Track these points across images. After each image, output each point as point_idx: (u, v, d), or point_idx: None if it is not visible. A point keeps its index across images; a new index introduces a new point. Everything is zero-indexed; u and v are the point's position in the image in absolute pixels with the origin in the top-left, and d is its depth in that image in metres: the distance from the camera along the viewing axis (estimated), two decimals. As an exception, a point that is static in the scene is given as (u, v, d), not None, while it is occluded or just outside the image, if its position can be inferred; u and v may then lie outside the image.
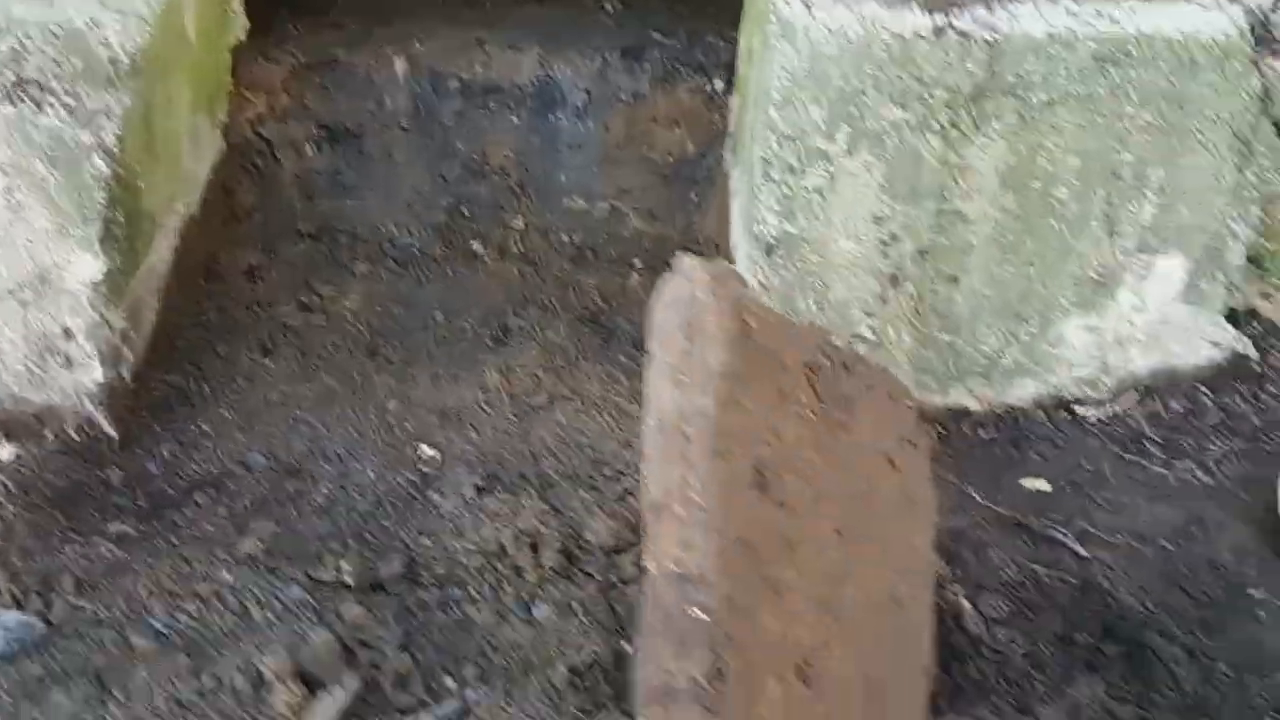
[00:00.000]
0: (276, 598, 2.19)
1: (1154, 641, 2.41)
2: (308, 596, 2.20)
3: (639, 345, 3.22)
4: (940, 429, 2.86)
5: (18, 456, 2.62)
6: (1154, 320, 2.77)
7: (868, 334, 2.73)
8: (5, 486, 2.49)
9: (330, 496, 2.60)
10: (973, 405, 2.84)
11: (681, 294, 1.47)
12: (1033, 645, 2.44)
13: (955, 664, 2.40)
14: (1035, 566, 2.55)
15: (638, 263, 3.56)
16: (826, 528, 1.76)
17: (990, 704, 2.33)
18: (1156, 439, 2.80)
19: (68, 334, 2.63)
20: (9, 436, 2.67)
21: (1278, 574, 2.49)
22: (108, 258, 2.60)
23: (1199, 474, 2.72)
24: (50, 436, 2.66)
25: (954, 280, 2.67)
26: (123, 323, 2.73)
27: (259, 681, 1.99)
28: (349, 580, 2.26)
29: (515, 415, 2.93)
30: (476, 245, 3.62)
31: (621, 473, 2.71)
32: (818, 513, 1.73)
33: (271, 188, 3.67)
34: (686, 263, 1.51)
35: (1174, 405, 2.85)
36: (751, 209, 2.71)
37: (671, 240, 3.65)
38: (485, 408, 2.96)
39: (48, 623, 2.14)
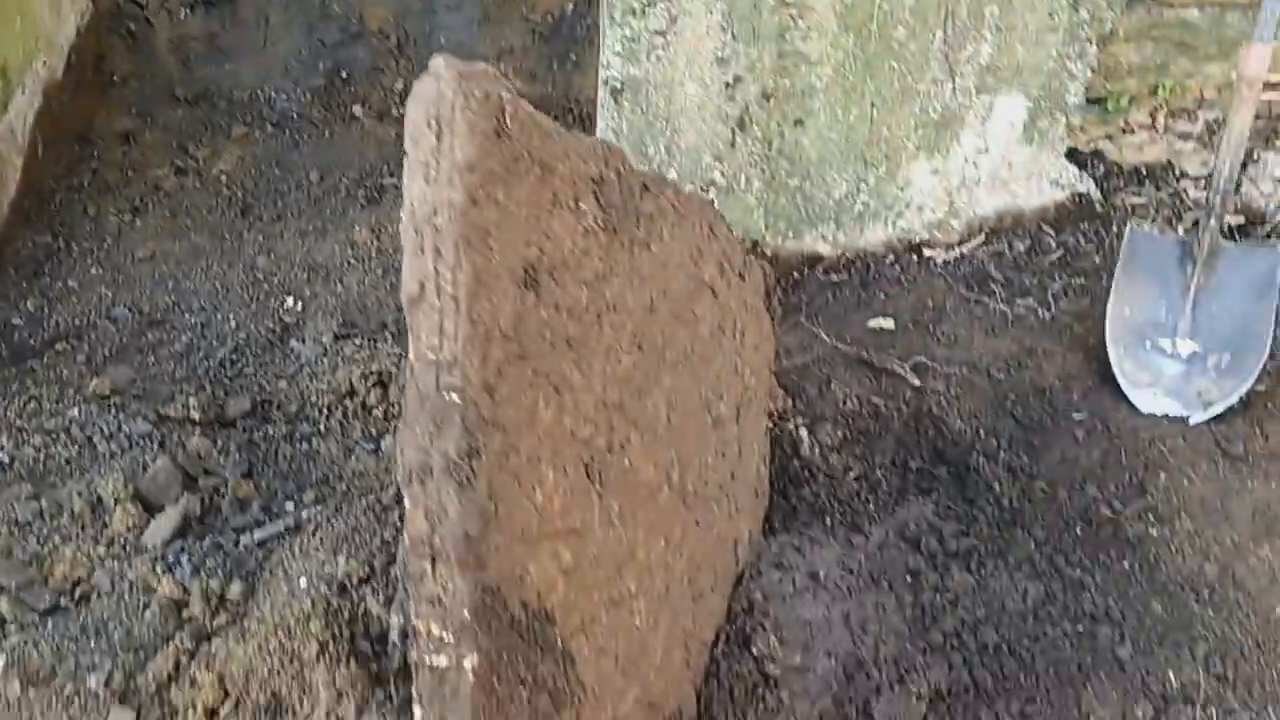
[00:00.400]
0: (122, 432, 2.26)
1: (979, 463, 2.54)
2: (153, 430, 2.27)
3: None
4: (794, 274, 2.94)
5: (-121, 310, 2.65)
6: (997, 161, 2.85)
7: (719, 179, 2.79)
8: None
9: (190, 344, 2.66)
10: (825, 250, 2.92)
11: (430, 91, 1.50)
12: (867, 470, 2.57)
13: (792, 488, 2.52)
14: (874, 399, 2.67)
15: (516, 123, 3.58)
16: (621, 338, 1.84)
17: (823, 524, 2.46)
18: (999, 277, 2.89)
19: (-82, 188, 2.64)
20: None
21: (1100, 398, 2.62)
22: (-47, 110, 2.60)
23: (1038, 310, 2.83)
24: (-91, 291, 2.69)
25: (800, 124, 2.73)
26: (-22, 179, 2.74)
27: (97, 504, 2.06)
28: (195, 416, 2.33)
29: (381, 269, 2.98)
30: (356, 108, 3.63)
31: (480, 318, 2.77)
32: (610, 322, 1.80)
33: (146, 53, 3.64)
34: (438, 61, 1.54)
35: (1018, 245, 2.95)
36: (600, 49, 2.74)
37: (551, 100, 3.67)
38: (352, 262, 3.00)
39: (-104, 458, 2.20)
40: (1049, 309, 2.83)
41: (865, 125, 2.74)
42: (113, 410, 2.33)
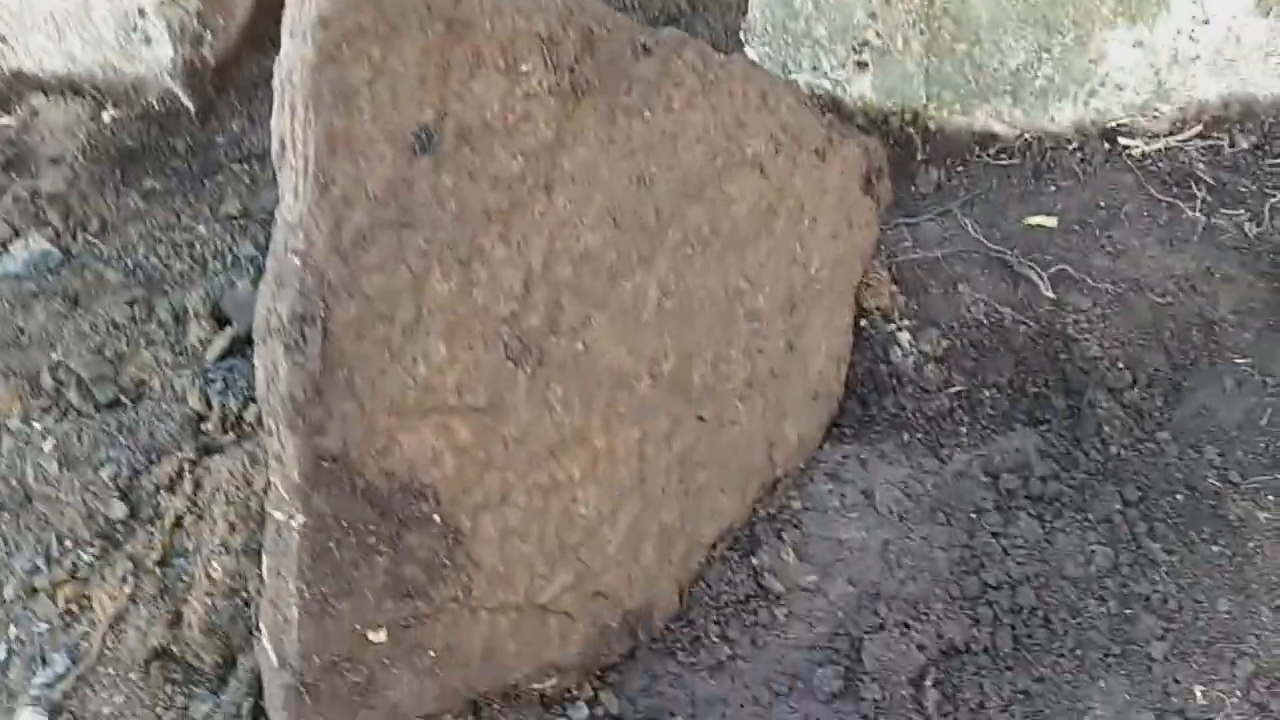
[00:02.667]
0: (232, 252, 2.47)
1: (1100, 399, 2.18)
2: (258, 254, 2.47)
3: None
4: (961, 154, 2.59)
5: (114, 117, 3.04)
6: (1221, 36, 2.30)
7: (873, 39, 2.49)
8: (89, 145, 2.91)
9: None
10: (999, 129, 2.54)
11: None
12: (970, 388, 2.29)
13: (874, 396, 2.31)
14: (1002, 308, 2.34)
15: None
16: (585, 213, 1.73)
17: (899, 440, 2.23)
18: (1208, 179, 2.38)
19: (141, 12, 2.95)
20: (113, 103, 3.09)
21: (1275, 345, 2.12)
22: (171, -60, 2.86)
23: (1244, 224, 2.31)
24: (140, 103, 3.05)
25: (965, -22, 2.35)
26: (197, 4, 3.02)
27: (183, 316, 2.30)
28: (302, 244, 2.50)
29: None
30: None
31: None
32: (566, 195, 1.70)
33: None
34: None
35: (1241, 142, 2.39)
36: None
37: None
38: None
39: (67, 253, 2.56)
40: (1257, 224, 2.30)
41: (1045, -17, 2.32)
42: (235, 232, 2.55)
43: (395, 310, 1.54)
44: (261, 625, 1.52)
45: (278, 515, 1.50)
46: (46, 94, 3.16)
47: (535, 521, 1.75)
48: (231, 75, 3.18)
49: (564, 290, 1.74)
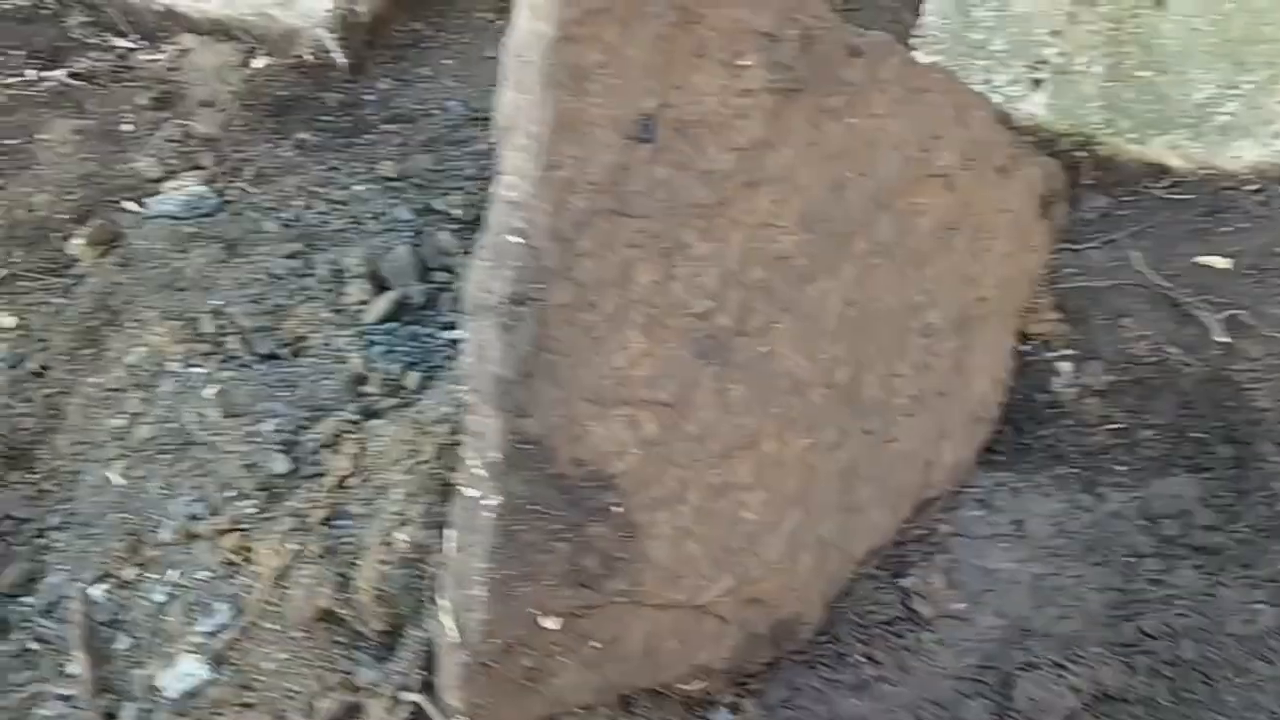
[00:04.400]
0: (388, 214, 2.47)
1: (1269, 454, 2.12)
2: (414, 219, 2.46)
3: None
4: (1131, 184, 2.53)
5: (266, 66, 3.04)
6: None
7: (1053, 57, 2.43)
8: (241, 91, 2.92)
9: (492, 147, 2.81)
10: (1174, 162, 2.48)
11: None
12: (1130, 426, 2.23)
13: (1030, 424, 2.26)
14: (1169, 348, 2.28)
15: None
16: (784, 215, 1.70)
17: (1054, 474, 2.19)
18: (1396, 233, 2.30)
19: (310, -36, 2.96)
20: (266, 50, 3.10)
21: None
22: (340, -108, 2.85)
23: None
24: (291, 54, 3.06)
25: (1161, 3, 2.28)
26: (370, -42, 3.02)
27: (341, 274, 2.30)
28: (457, 213, 2.49)
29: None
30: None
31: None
32: (769, 195, 1.67)
33: None
34: None
35: None
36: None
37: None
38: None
39: (222, 198, 2.57)
40: None
41: (1244, 17, 2.24)
42: (391, 193, 2.55)
43: (602, 298, 1.52)
44: (441, 600, 1.52)
45: (470, 492, 1.49)
46: (199, 35, 3.18)
47: (705, 522, 1.73)
48: (381, 34, 3.18)
49: (755, 291, 1.72)
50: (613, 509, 1.60)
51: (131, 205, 2.63)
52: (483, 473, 1.47)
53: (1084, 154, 2.51)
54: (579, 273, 1.49)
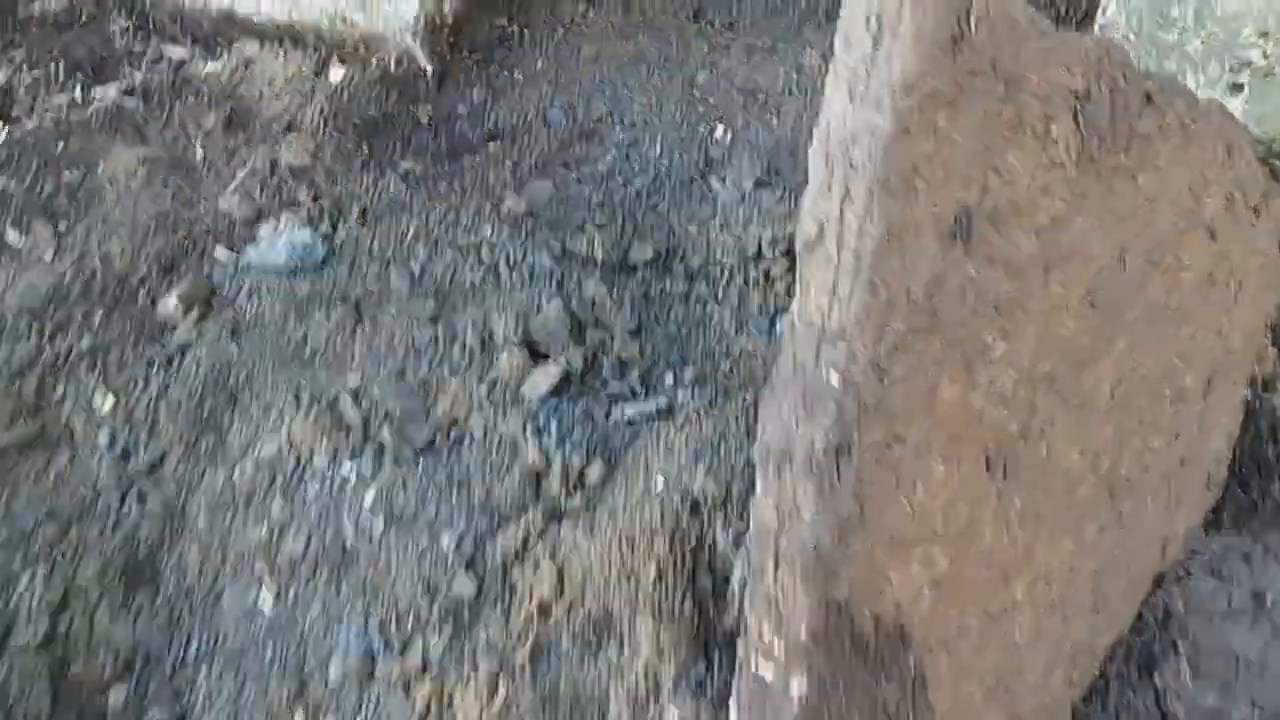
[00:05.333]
0: (526, 261, 2.21)
1: None
2: (555, 266, 2.21)
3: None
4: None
5: (345, 78, 2.74)
6: None
7: (1257, 59, 2.18)
8: (324, 110, 2.63)
9: (613, 165, 2.55)
10: (1387, 170, 2.24)
11: None
12: (1370, 478, 2.03)
13: (1257, 479, 2.06)
14: None
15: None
16: (1072, 295, 1.47)
17: (1285, 532, 1.99)
18: None
19: (392, -35, 2.65)
20: (340, 59, 2.80)
21: None
22: (429, -114, 2.54)
23: None
24: (373, 64, 2.76)
25: (1397, 4, 2.04)
26: (451, -42, 2.71)
27: (489, 340, 2.05)
28: (599, 256, 2.24)
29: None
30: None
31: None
32: (1060, 277, 1.45)
33: None
34: None
35: None
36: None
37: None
38: (794, 91, 2.72)
39: (330, 243, 2.30)
40: None
41: None
42: (523, 234, 2.28)
43: (909, 428, 1.30)
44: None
45: (765, 672, 1.27)
46: (261, 41, 2.87)
47: (981, 656, 1.52)
48: (465, 35, 2.88)
49: (1040, 387, 1.49)
50: (906, 663, 1.38)
51: (223, 253, 2.36)
52: (781, 652, 1.25)
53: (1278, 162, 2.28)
54: (890, 403, 1.26)
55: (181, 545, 1.91)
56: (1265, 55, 2.17)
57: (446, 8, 2.79)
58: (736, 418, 1.84)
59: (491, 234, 2.28)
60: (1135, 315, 1.63)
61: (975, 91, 1.22)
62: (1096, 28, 2.30)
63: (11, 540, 1.91)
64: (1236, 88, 2.24)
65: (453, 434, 1.92)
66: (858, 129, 1.18)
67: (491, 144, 2.61)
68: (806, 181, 2.46)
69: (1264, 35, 2.14)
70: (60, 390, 2.13)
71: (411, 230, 2.31)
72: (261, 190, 2.47)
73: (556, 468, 1.82)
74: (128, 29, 2.93)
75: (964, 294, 1.30)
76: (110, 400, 2.10)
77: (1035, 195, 1.34)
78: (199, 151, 2.63)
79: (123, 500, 1.98)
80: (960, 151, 1.23)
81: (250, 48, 2.86)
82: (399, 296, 2.15)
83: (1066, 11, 2.73)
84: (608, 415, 1.93)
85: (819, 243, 1.24)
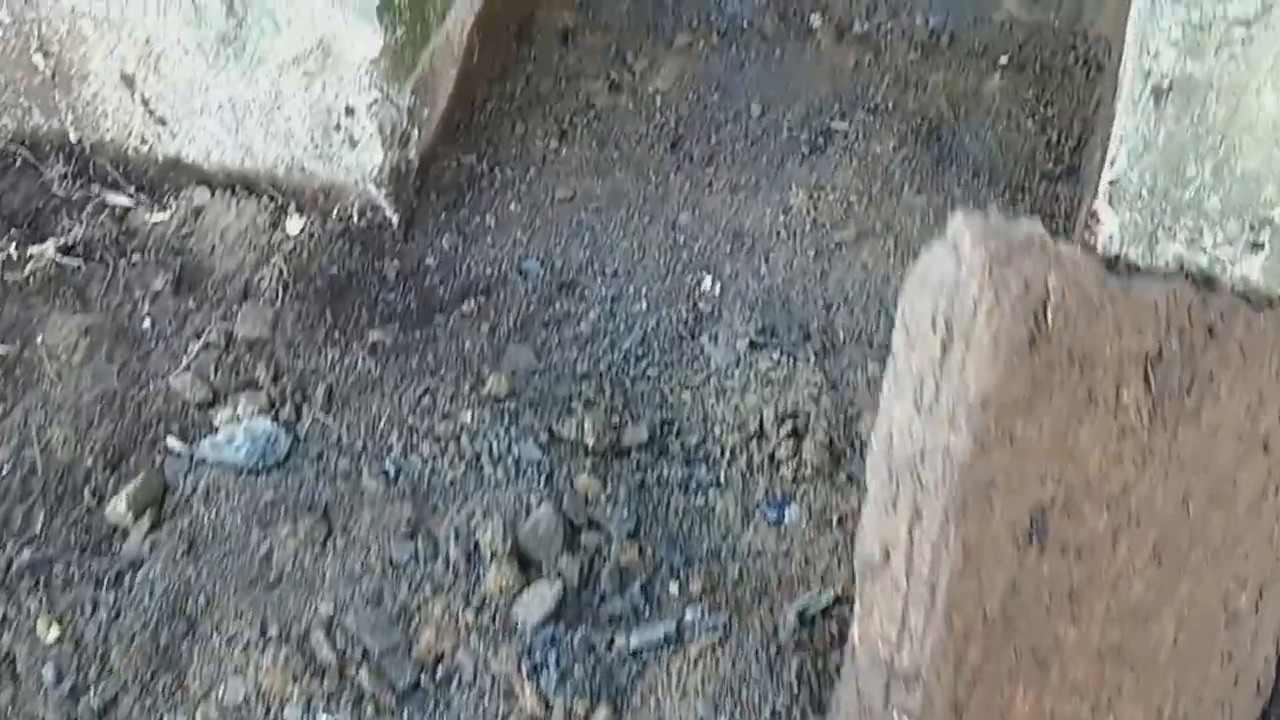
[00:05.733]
0: (511, 454, 2.04)
1: None
2: (543, 456, 2.04)
3: (979, 172, 2.70)
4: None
5: (302, 230, 2.57)
6: None
7: (1279, 219, 2.08)
8: (283, 270, 2.45)
9: (597, 325, 2.39)
10: None
11: (945, 275, 1.03)
12: None
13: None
14: None
15: (1002, 60, 2.93)
16: (1138, 556, 1.33)
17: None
18: None
19: (349, 111, 2.48)
20: (298, 209, 2.62)
21: None
22: (387, 30, 2.38)
23: None
24: (334, 214, 2.59)
25: None
26: (410, 100, 2.55)
27: (474, 553, 1.87)
28: (589, 441, 2.07)
29: (814, 250, 2.54)
30: (814, 18, 3.11)
31: (924, 345, 2.30)
32: (1128, 540, 1.30)
33: (598, -68, 3.30)
34: (958, 225, 1.05)
35: None
36: (1144, 33, 2.06)
37: (1051, 33, 2.97)
38: (782, 234, 2.58)
39: (293, 434, 2.12)
40: None
41: None
42: (505, 419, 2.11)
43: (983, 753, 1.14)
44: None
45: None
46: (212, 189, 2.69)
47: None
48: (432, 176, 2.72)
49: (1108, 659, 1.34)
50: None
51: (176, 443, 2.16)
52: None
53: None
54: (967, 740, 1.10)
55: (136, 808, 1.71)
56: (1287, 217, 2.07)
57: (413, 152, 2.63)
58: (757, 652, 1.67)
59: (471, 420, 2.10)
60: (1199, 555, 1.49)
61: (1053, 386, 1.08)
62: (1105, 183, 2.18)
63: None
64: (1256, 246, 2.13)
65: (439, 672, 1.74)
66: (928, 446, 1.04)
67: (465, 302, 2.44)
68: (803, 340, 2.32)
69: (1286, 195, 2.03)
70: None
71: (383, 416, 2.13)
72: (216, 368, 2.28)
73: (558, 714, 1.64)
74: (66, 175, 2.73)
75: (1038, 594, 1.15)
76: (56, 629, 1.89)
77: (1107, 468, 1.20)
78: (146, 319, 2.44)
79: (70, 748, 1.77)
80: (1036, 451, 1.09)
81: (200, 196, 2.68)
82: (372, 501, 1.97)
83: (1053, 163, 2.64)
84: (610, 644, 1.75)
85: (884, 567, 1.08)
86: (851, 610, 1.78)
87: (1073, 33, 2.94)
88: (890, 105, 2.86)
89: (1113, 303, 1.16)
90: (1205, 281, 1.82)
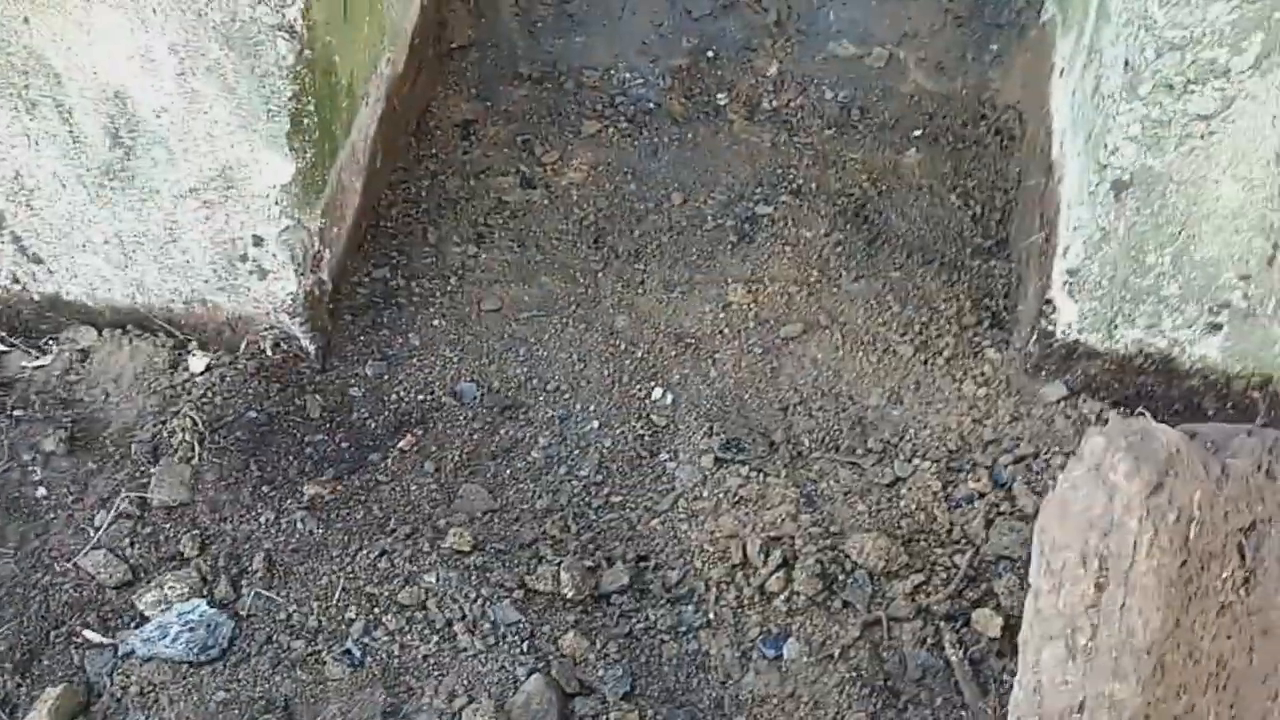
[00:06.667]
0: (486, 619, 1.87)
1: None
2: (520, 617, 1.88)
3: (912, 252, 2.66)
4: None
5: (208, 369, 2.35)
6: None
7: (1237, 301, 2.09)
8: (194, 419, 2.22)
9: (549, 451, 2.24)
10: (1364, 393, 2.18)
11: (1093, 507, 0.94)
12: None
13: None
14: None
15: (916, 133, 2.91)
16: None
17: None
18: None
19: (257, 240, 2.27)
20: (201, 346, 2.40)
21: None
22: (298, 155, 2.19)
23: None
24: (243, 350, 2.37)
25: (1377, 244, 1.97)
26: (320, 222, 2.35)
27: (464, 742, 1.70)
28: (568, 593, 1.92)
29: (761, 348, 2.45)
30: (721, 98, 3.04)
31: (889, 447, 2.23)
32: (1213, 702, 1.24)
33: (489, 21, 3.16)
34: (1100, 446, 0.96)
35: None
36: (1097, 129, 2.04)
37: (960, 103, 2.96)
38: (726, 332, 2.49)
39: (235, 616, 1.90)
40: None
41: None
42: (473, 578, 1.94)
43: None
44: None
45: None
46: (98, 329, 2.44)
47: None
48: (344, 297, 2.53)
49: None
50: None
51: (96, 635, 1.92)
52: None
53: (1259, 394, 2.19)
54: None
55: None
56: (1246, 296, 2.08)
57: (325, 274, 2.43)
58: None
59: (436, 581, 1.93)
60: (1265, 696, 1.44)
61: (1192, 599, 1.00)
62: (1061, 272, 2.16)
63: None
64: (1214, 327, 2.14)
65: None
66: (1089, 696, 0.94)
67: (401, 438, 2.26)
68: (769, 450, 2.22)
69: (1245, 278, 2.04)
70: None
71: (337, 586, 1.93)
72: (132, 542, 2.04)
73: None
74: (-78, 319, 2.45)
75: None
76: None
77: (1210, 650, 1.13)
78: (40, 486, 2.17)
79: None
80: (1197, 686, 1.01)
81: (85, 337, 2.43)
82: (339, 689, 1.77)
83: (981, 237, 2.63)
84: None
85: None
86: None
87: (980, 101, 2.94)
88: (814, 186, 2.80)
89: (1219, 487, 1.09)
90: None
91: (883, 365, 2.42)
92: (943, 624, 1.89)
